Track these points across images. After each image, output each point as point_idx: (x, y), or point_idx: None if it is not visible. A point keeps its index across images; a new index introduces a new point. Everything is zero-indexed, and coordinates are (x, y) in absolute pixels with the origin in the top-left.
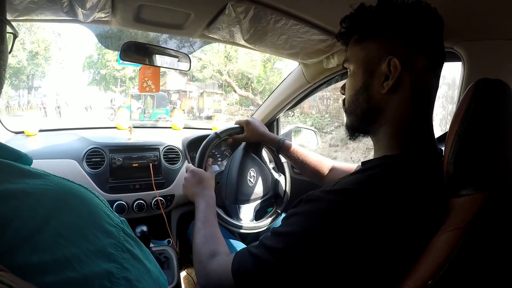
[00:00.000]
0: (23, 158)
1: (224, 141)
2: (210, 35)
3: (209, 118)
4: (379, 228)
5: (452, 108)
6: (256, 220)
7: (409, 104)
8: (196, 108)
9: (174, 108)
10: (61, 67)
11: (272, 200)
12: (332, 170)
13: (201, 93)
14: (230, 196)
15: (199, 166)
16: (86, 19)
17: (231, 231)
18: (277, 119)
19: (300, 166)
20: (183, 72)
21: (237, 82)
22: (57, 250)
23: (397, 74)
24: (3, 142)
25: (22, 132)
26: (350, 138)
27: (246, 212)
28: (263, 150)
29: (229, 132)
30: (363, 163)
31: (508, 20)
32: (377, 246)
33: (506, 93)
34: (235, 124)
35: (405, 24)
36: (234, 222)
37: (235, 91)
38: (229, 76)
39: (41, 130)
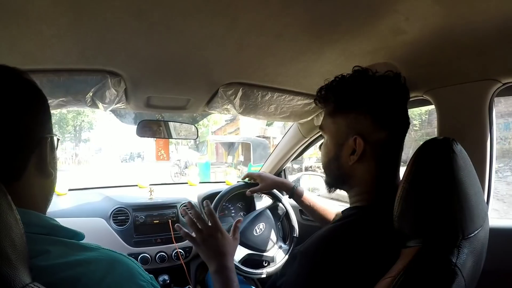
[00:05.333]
0: (78, 235)
1: (239, 195)
2: (210, 111)
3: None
4: (345, 274)
5: None
6: (242, 265)
7: (373, 170)
8: None
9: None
10: (109, 119)
11: (261, 262)
12: (338, 215)
13: None
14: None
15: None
16: (106, 109)
17: None
18: (284, 169)
19: (309, 212)
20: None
21: None
22: None
23: (361, 150)
24: None
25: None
26: (328, 191)
27: (238, 253)
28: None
29: (247, 186)
30: (342, 212)
31: (465, 65)
32: None
33: (448, 152)
34: (247, 180)
35: (372, 99)
36: None
37: None
38: None
39: (70, 189)
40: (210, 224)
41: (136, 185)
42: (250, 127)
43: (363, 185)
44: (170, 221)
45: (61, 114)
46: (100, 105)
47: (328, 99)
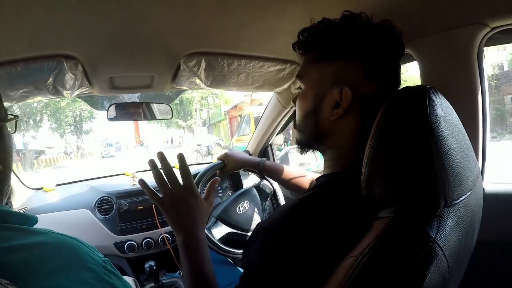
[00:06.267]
0: (30, 220)
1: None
2: (179, 87)
3: None
4: (313, 248)
5: None
6: (222, 243)
7: (357, 129)
8: None
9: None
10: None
11: (243, 242)
12: (313, 183)
13: None
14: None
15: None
16: (71, 95)
17: None
18: (270, 144)
19: (283, 184)
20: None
21: None
22: (53, 280)
23: (347, 103)
24: (25, 199)
25: (41, 188)
26: (300, 153)
27: (219, 231)
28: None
29: (214, 169)
30: (316, 179)
31: (447, 8)
32: (309, 269)
33: (423, 100)
34: (217, 160)
35: (366, 47)
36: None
37: None
38: None
39: (58, 185)
40: (182, 184)
41: (123, 174)
42: None
43: (343, 147)
44: (154, 206)
45: (54, 103)
46: (63, 92)
47: (311, 44)
